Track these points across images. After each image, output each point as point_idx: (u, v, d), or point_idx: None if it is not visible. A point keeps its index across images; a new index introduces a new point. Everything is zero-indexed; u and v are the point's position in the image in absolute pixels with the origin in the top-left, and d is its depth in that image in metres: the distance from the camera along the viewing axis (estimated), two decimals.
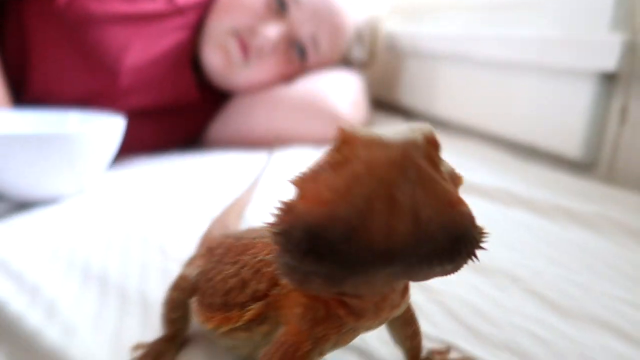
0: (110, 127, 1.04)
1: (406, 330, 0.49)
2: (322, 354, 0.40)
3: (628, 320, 0.57)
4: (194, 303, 0.55)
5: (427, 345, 0.53)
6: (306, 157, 1.26)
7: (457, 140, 1.46)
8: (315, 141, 1.42)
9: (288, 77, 1.48)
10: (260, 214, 0.91)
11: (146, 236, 0.85)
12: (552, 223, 0.85)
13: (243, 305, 0.46)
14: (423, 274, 0.32)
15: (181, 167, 1.25)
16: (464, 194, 0.34)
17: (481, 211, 0.37)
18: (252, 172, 1.14)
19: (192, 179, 1.15)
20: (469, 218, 0.32)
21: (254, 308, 0.44)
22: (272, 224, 0.36)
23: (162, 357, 0.54)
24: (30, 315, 0.60)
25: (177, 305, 0.56)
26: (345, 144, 0.31)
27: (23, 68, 1.21)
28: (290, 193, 0.37)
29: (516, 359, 0.52)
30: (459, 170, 0.35)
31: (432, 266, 0.32)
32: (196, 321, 0.55)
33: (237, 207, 0.88)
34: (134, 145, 1.28)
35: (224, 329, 0.47)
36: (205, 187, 1.09)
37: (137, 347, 0.56)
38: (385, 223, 0.29)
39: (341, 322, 0.39)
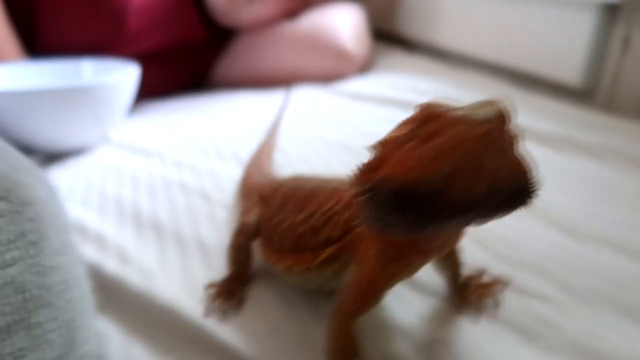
0: (128, 75, 1.06)
1: (450, 260, 0.58)
2: (392, 287, 0.48)
3: (634, 241, 0.66)
4: (259, 246, 0.62)
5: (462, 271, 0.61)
6: (319, 97, 1.29)
7: (458, 71, 1.50)
8: (322, 78, 1.45)
9: (291, 12, 1.48)
10: (290, 157, 0.96)
11: (185, 182, 0.90)
12: (559, 154, 0.93)
13: (315, 249, 0.53)
14: (488, 220, 0.39)
15: (199, 110, 1.28)
16: None
17: None
18: (270, 112, 1.18)
19: (213, 122, 1.19)
20: (529, 173, 0.39)
21: (328, 251, 0.51)
22: (357, 182, 0.42)
23: (233, 292, 0.62)
24: (106, 263, 0.67)
25: (241, 248, 0.64)
26: (433, 120, 0.36)
27: (31, 18, 1.19)
28: (365, 154, 0.43)
29: (538, 276, 0.61)
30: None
31: (498, 214, 0.38)
32: (263, 261, 0.62)
33: (266, 151, 0.93)
34: (143, 90, 1.30)
35: (297, 268, 0.55)
36: (228, 130, 1.13)
37: (209, 286, 0.63)
38: (466, 185, 0.36)
39: (410, 260, 0.46)
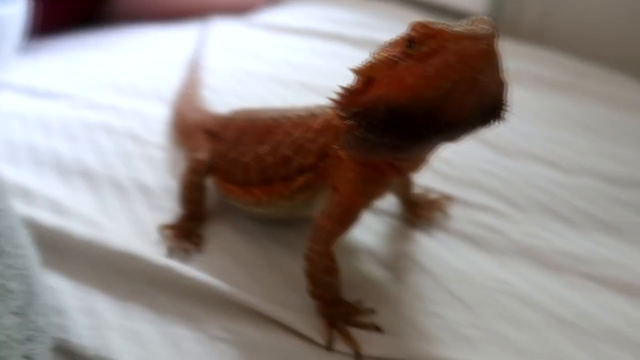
0: (15, 7, 0.92)
1: (404, 180, 0.61)
2: (368, 206, 0.50)
3: (556, 154, 0.74)
4: (217, 181, 0.61)
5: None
6: (236, 30, 1.23)
7: (369, 2, 1.50)
8: (231, 9, 1.37)
9: None
10: (219, 93, 0.92)
11: (108, 125, 0.83)
12: None
13: (286, 178, 0.53)
14: (468, 134, 0.41)
15: (103, 47, 1.16)
16: None
17: None
18: (185, 46, 1.10)
19: (124, 59, 1.09)
20: (506, 89, 0.41)
21: (302, 178, 0.51)
22: (340, 106, 0.42)
23: (192, 231, 0.60)
24: (40, 216, 0.61)
25: (196, 187, 0.61)
26: (430, 38, 0.37)
27: None
28: (346, 79, 0.43)
29: (479, 191, 0.67)
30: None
31: (476, 130, 0.41)
32: (223, 197, 0.61)
33: (193, 87, 0.88)
34: (34, 26, 1.14)
35: (267, 199, 0.54)
36: (144, 67, 1.04)
37: (164, 227, 0.61)
38: (461, 101, 0.37)
39: (387, 180, 0.48)
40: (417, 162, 0.47)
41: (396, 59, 0.38)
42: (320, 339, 0.48)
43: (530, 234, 0.60)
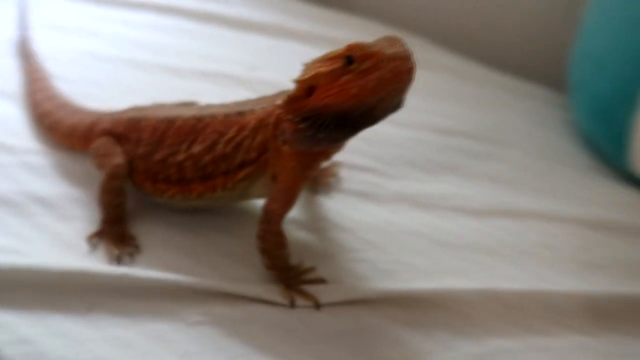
0: None
1: None
2: (304, 188, 0.60)
3: (403, 116, 0.91)
4: (145, 183, 0.62)
5: None
6: (58, 5, 1.10)
7: None
8: None
9: None
10: (75, 83, 0.86)
11: None
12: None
13: (227, 173, 0.59)
14: None
15: None
16: None
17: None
18: (4, 29, 0.96)
19: None
20: None
21: (245, 170, 0.58)
22: (287, 110, 0.51)
23: (124, 235, 0.62)
24: None
25: (118, 191, 0.62)
26: (369, 58, 0.47)
27: None
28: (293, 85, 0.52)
29: (359, 155, 0.82)
30: None
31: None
32: (154, 197, 0.63)
33: (42, 79, 0.81)
34: None
35: (208, 193, 0.60)
36: None
37: (92, 237, 0.61)
38: (387, 104, 0.50)
39: (318, 164, 0.59)
40: (341, 146, 0.59)
41: (338, 73, 0.49)
42: (283, 300, 0.58)
43: (403, 185, 0.78)
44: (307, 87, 0.51)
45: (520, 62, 1.17)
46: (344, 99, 0.49)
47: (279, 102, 0.54)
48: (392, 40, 0.49)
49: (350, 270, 0.63)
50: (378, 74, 0.47)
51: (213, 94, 0.90)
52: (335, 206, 0.72)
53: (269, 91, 0.93)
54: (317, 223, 0.69)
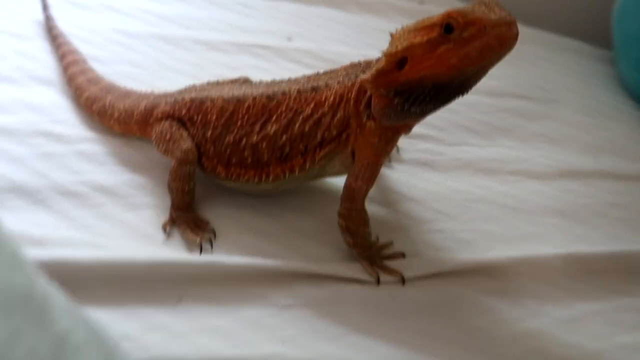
0: None
1: None
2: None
3: None
4: (215, 167, 0.60)
5: None
6: None
7: None
8: None
9: None
10: (111, 65, 0.82)
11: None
12: (348, 13, 1.07)
13: (306, 153, 0.57)
14: None
15: None
16: None
17: None
18: (22, 9, 0.91)
19: None
20: None
21: (326, 149, 0.56)
22: (379, 85, 0.49)
23: (200, 221, 0.60)
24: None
25: (190, 177, 0.60)
26: (471, 25, 0.45)
27: None
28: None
29: None
30: None
31: None
32: (227, 181, 0.61)
33: (80, 63, 0.77)
34: None
35: (288, 174, 0.58)
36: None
37: (166, 225, 0.59)
38: (487, 70, 0.48)
39: (398, 138, 0.57)
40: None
41: (435, 42, 0.46)
42: (368, 278, 0.57)
43: (461, 150, 0.77)
44: (399, 59, 0.48)
45: (560, 19, 1.14)
46: (443, 70, 0.47)
47: (365, 76, 0.51)
48: (489, 5, 0.47)
49: (427, 242, 0.63)
50: (482, 42, 0.45)
51: (255, 67, 0.88)
52: (400, 177, 0.71)
53: (309, 60, 0.91)
54: (385, 196, 0.68)
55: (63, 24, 0.86)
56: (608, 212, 0.70)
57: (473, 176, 0.73)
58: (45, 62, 0.80)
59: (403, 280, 0.57)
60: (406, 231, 0.64)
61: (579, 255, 0.61)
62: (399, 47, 0.48)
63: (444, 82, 0.47)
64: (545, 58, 1.02)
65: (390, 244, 0.61)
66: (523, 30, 1.09)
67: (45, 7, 0.87)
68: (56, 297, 0.32)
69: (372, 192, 0.68)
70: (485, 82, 0.90)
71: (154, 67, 0.84)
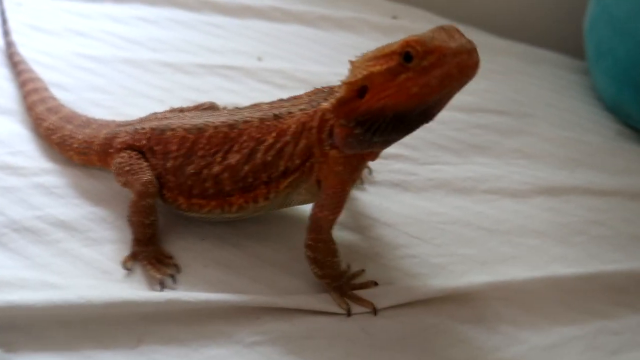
0: None
1: None
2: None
3: None
4: (177, 199, 0.58)
5: None
6: (37, 5, 1.01)
7: None
8: None
9: None
10: (74, 92, 0.79)
11: None
12: (320, 30, 1.05)
13: (269, 182, 0.55)
14: None
15: None
16: None
17: None
18: None
19: None
20: None
21: (289, 178, 0.54)
22: (340, 114, 0.47)
23: (161, 255, 0.58)
24: None
25: (151, 210, 0.58)
26: (430, 54, 0.43)
27: None
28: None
29: None
30: None
31: None
32: (189, 212, 0.59)
33: (41, 91, 0.75)
34: None
35: (250, 205, 0.56)
36: None
37: (127, 260, 0.57)
38: (450, 98, 0.46)
39: (364, 166, 0.55)
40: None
41: (394, 72, 0.45)
42: (338, 309, 0.55)
43: (435, 169, 0.75)
44: (359, 88, 0.47)
45: (535, 30, 1.13)
46: (404, 99, 0.45)
47: (326, 105, 0.50)
48: (449, 32, 0.45)
49: (400, 268, 0.61)
50: (442, 70, 0.44)
51: (224, 89, 0.86)
52: (372, 200, 0.69)
53: (280, 81, 0.89)
54: (357, 221, 0.66)
55: (25, 50, 0.83)
56: (586, 229, 0.68)
57: (448, 196, 0.71)
58: (5, 91, 0.78)
59: (375, 311, 0.55)
60: (378, 258, 0.62)
61: (555, 278, 0.60)
62: (359, 76, 0.47)
63: (405, 111, 0.46)
64: (520, 70, 1.01)
65: (361, 272, 0.59)
66: (497, 42, 1.10)
67: (6, 33, 0.84)
68: None
69: (343, 217, 0.66)
70: (459, 97, 0.88)
71: (120, 92, 0.82)
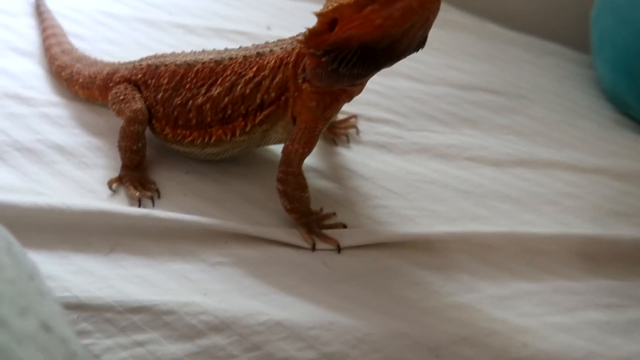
0: None
1: None
2: (324, 129, 0.59)
3: (418, 71, 0.90)
4: (165, 129, 0.62)
5: None
6: None
7: None
8: None
9: None
10: (90, 41, 0.85)
11: None
12: None
13: (247, 115, 0.58)
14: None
15: None
16: None
17: None
18: None
19: None
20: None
21: (265, 112, 0.57)
22: (309, 45, 0.50)
23: (145, 180, 0.62)
24: None
25: (139, 136, 0.62)
26: None
27: None
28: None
29: (375, 108, 0.81)
30: None
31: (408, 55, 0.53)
32: (171, 143, 0.63)
33: (58, 36, 0.81)
34: None
35: (228, 136, 0.59)
36: None
37: (112, 182, 0.61)
38: (412, 35, 0.48)
39: (339, 104, 0.58)
40: (362, 86, 0.58)
41: (361, 4, 0.48)
42: (304, 243, 0.58)
43: (422, 136, 0.77)
44: (330, 20, 0.50)
45: (538, 22, 1.14)
46: (368, 30, 0.48)
47: (299, 37, 0.53)
48: None
49: (370, 216, 0.63)
50: (403, 3, 0.46)
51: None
52: (355, 157, 0.72)
53: None
54: (336, 172, 0.69)
55: (52, 3, 0.90)
56: (560, 200, 0.69)
57: (429, 160, 0.73)
58: (29, 37, 0.84)
59: (339, 249, 0.58)
60: (351, 205, 0.64)
61: (520, 235, 0.61)
62: (330, 8, 0.49)
63: (369, 43, 0.48)
64: (524, 59, 1.02)
65: (332, 215, 0.61)
66: (505, 33, 1.11)
67: None
68: None
69: (322, 166, 0.69)
70: (456, 76, 0.92)
71: (131, 46, 0.87)
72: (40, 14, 0.86)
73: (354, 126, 0.75)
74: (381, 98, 0.83)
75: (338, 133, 0.74)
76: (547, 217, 0.66)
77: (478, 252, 0.60)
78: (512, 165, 0.73)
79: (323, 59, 0.50)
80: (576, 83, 0.98)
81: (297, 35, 0.57)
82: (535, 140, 0.80)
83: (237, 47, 0.72)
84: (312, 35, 0.51)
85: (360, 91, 0.59)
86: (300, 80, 0.55)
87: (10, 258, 0.31)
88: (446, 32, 1.04)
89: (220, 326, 0.48)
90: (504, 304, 0.55)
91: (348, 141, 0.73)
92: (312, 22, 0.99)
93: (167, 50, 0.88)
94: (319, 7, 1.07)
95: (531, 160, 0.75)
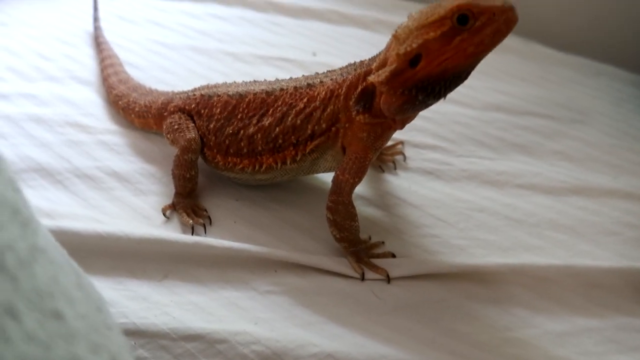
0: None
1: None
2: (373, 159, 0.60)
3: (465, 95, 0.88)
4: (215, 157, 0.64)
5: None
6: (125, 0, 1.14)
7: None
8: None
9: None
10: (145, 70, 0.89)
11: (34, 116, 0.76)
12: (375, 33, 1.09)
13: (297, 145, 0.59)
14: None
15: None
16: None
17: None
18: (71, 17, 1.01)
19: (9, 39, 0.95)
20: None
21: (315, 141, 0.58)
22: (401, 84, 0.51)
23: (197, 207, 0.63)
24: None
25: (192, 165, 0.64)
26: (482, 14, 0.47)
27: None
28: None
29: (422, 134, 0.80)
30: None
31: None
32: (222, 170, 0.64)
33: (115, 65, 0.85)
34: None
35: (279, 165, 0.60)
36: (34, 44, 0.93)
37: (166, 209, 0.63)
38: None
39: (389, 134, 0.58)
40: (415, 116, 0.58)
41: (448, 35, 0.48)
42: (353, 273, 0.57)
43: (470, 162, 0.75)
44: (412, 57, 0.50)
45: (588, 42, 1.11)
46: (461, 60, 0.49)
47: (377, 78, 0.53)
48: None
49: (420, 245, 0.62)
50: (493, 28, 0.47)
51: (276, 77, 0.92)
52: (402, 183, 0.71)
53: None
54: (383, 199, 0.68)
55: (109, 35, 0.95)
56: (619, 230, 0.66)
57: (479, 187, 0.71)
58: (88, 66, 0.88)
59: (388, 279, 0.57)
60: (400, 234, 0.63)
61: (580, 268, 0.58)
62: (414, 45, 0.50)
63: (463, 70, 0.50)
64: (575, 81, 0.99)
65: (381, 243, 0.61)
66: (553, 54, 1.09)
67: (95, 19, 0.96)
68: (39, 223, 0.35)
69: (370, 194, 0.69)
70: (505, 99, 0.90)
71: (183, 74, 0.90)
72: (99, 44, 0.91)
73: (401, 152, 0.75)
74: (428, 123, 0.83)
75: (385, 159, 0.74)
76: (606, 249, 0.63)
77: (534, 284, 0.58)
78: (567, 193, 0.71)
79: (417, 96, 0.51)
80: (632, 105, 0.94)
81: (354, 69, 0.58)
82: (590, 167, 0.77)
83: (285, 74, 0.74)
84: (393, 76, 0.51)
85: (409, 122, 0.59)
86: (353, 113, 0.55)
87: (80, 292, 0.32)
88: (491, 54, 1.02)
89: (272, 357, 0.49)
90: (564, 340, 0.53)
91: (395, 168, 0.73)
92: (356, 47, 1.00)
93: (217, 76, 0.92)
94: (362, 33, 1.10)
95: (586, 188, 0.72)
